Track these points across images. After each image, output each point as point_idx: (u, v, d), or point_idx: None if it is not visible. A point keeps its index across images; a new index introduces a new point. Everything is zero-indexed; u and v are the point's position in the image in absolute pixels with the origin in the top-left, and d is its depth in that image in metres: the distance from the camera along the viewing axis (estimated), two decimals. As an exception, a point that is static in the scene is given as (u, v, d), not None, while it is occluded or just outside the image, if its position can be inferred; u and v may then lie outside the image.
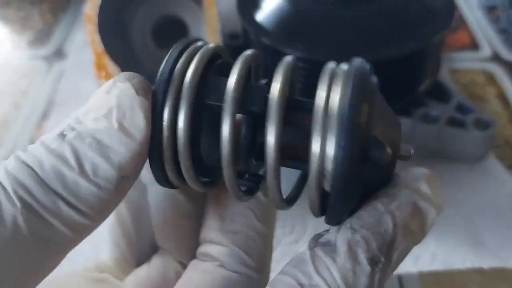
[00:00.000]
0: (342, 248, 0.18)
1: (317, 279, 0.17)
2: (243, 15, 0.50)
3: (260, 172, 0.23)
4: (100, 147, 0.18)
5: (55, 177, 0.17)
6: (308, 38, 0.46)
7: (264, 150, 0.18)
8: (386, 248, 0.18)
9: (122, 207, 0.25)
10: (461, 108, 0.49)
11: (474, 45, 0.66)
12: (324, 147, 0.17)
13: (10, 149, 0.57)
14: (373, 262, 0.17)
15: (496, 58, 0.64)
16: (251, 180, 0.22)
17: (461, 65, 0.63)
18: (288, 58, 0.20)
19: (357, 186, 0.18)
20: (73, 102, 0.61)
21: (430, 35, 0.47)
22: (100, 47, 0.53)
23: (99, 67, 0.53)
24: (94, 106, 0.19)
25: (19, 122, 0.60)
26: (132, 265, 0.26)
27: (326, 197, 0.18)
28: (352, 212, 0.19)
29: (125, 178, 0.18)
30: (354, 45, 0.45)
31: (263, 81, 0.21)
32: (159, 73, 0.19)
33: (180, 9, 0.57)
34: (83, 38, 0.63)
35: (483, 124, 0.48)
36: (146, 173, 0.20)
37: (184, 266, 0.25)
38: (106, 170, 0.18)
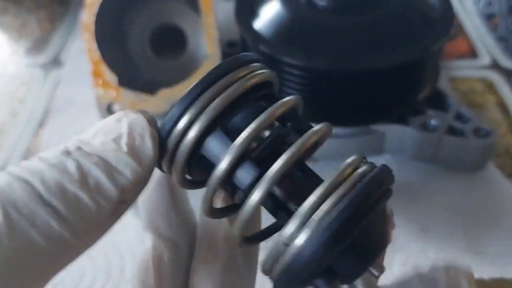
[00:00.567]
0: None
1: None
2: (241, 23, 0.50)
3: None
4: (106, 166, 0.18)
5: (55, 189, 0.17)
6: (306, 46, 0.46)
7: (246, 200, 0.19)
8: None
9: None
10: (460, 117, 0.49)
11: (473, 53, 0.66)
12: (296, 234, 0.18)
13: (7, 157, 0.56)
14: None
15: (495, 66, 0.64)
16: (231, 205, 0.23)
17: (460, 73, 0.63)
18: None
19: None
20: (69, 110, 0.60)
21: (429, 43, 0.46)
22: (97, 55, 0.53)
23: (96, 75, 0.53)
24: (103, 131, 0.19)
25: (16, 129, 0.60)
26: None
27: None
28: None
29: (123, 204, 0.18)
30: (352, 53, 0.45)
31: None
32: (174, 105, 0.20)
33: (178, 17, 0.57)
34: (80, 46, 0.63)
35: (482, 133, 0.47)
36: None
37: None
38: (109, 190, 0.18)
